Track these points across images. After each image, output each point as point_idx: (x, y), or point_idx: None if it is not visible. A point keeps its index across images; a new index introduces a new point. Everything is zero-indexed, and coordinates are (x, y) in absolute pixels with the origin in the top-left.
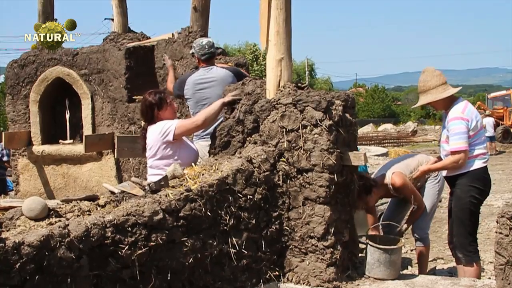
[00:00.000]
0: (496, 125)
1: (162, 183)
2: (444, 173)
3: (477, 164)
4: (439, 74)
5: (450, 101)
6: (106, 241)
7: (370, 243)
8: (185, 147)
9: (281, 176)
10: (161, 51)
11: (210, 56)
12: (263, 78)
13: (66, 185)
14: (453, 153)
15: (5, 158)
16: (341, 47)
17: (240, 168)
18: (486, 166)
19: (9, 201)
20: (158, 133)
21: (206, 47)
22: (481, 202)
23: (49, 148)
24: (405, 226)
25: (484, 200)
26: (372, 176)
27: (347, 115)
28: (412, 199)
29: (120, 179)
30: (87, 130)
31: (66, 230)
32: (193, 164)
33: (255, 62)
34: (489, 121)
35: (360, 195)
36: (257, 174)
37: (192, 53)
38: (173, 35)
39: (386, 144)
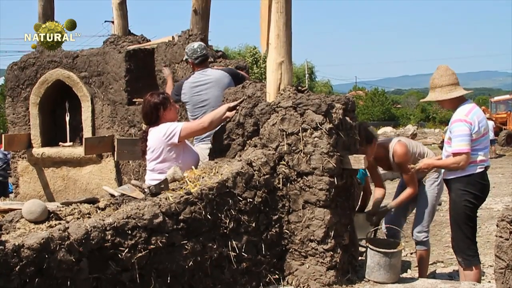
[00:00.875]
0: (499, 130)
1: (162, 186)
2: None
3: (473, 169)
4: (449, 74)
5: (457, 102)
6: (106, 244)
7: (370, 246)
8: (188, 151)
9: (281, 179)
10: (161, 54)
11: (204, 59)
12: (263, 81)
13: (66, 187)
14: (454, 155)
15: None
16: (341, 50)
17: (240, 171)
18: (483, 172)
19: (8, 203)
20: (162, 135)
21: (198, 50)
22: (477, 206)
23: (49, 151)
24: (392, 204)
25: (481, 205)
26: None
27: (347, 118)
28: (406, 176)
29: (120, 182)
30: (87, 132)
31: (66, 233)
32: (193, 167)
33: (255, 65)
34: (489, 124)
35: (361, 143)
36: (257, 177)
37: (186, 59)
38: (173, 38)
39: None
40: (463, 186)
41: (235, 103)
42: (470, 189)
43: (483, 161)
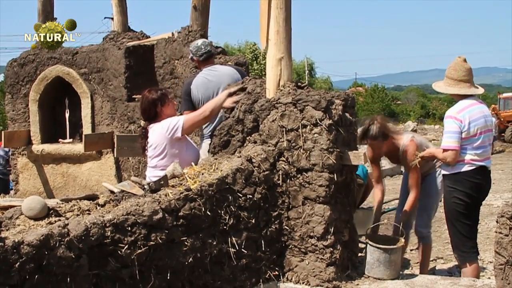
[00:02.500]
0: (505, 128)
1: (162, 182)
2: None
3: (461, 168)
4: (457, 69)
5: (459, 96)
6: (105, 241)
7: (370, 242)
8: (190, 147)
9: (280, 176)
10: (161, 50)
11: (208, 56)
12: (263, 77)
13: (65, 184)
14: (443, 150)
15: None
16: (340, 47)
17: (240, 167)
18: (473, 170)
19: (8, 200)
20: (165, 131)
21: (202, 47)
22: (470, 204)
23: (48, 147)
24: (403, 218)
25: (477, 202)
26: None
27: (347, 114)
28: (411, 180)
29: (119, 178)
30: (86, 129)
31: (66, 230)
32: (192, 163)
33: (255, 61)
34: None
35: (376, 138)
36: (257, 174)
37: (191, 58)
38: (172, 34)
39: None
40: (451, 183)
41: (235, 88)
42: (458, 187)
43: (474, 160)
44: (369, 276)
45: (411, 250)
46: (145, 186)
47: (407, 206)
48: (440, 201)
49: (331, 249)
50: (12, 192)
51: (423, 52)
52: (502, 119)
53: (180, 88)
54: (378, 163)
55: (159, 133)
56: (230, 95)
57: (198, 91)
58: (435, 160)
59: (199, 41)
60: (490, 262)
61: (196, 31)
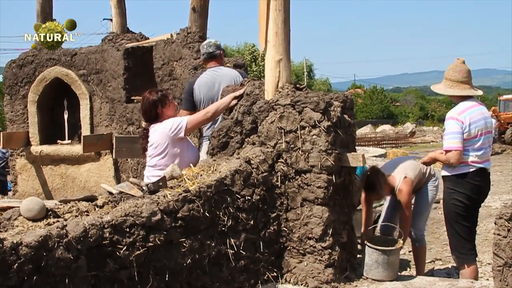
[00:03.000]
0: (505, 129)
1: (160, 183)
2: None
3: (462, 169)
4: (458, 70)
5: (460, 98)
6: (104, 242)
7: (369, 244)
8: (190, 147)
9: (279, 177)
10: (159, 52)
11: (209, 57)
12: (262, 79)
13: (64, 185)
14: (446, 152)
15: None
16: (339, 48)
17: (238, 169)
18: (474, 172)
19: (7, 201)
20: (168, 130)
21: (205, 47)
22: (469, 206)
23: (47, 149)
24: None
25: (476, 205)
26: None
27: (346, 116)
28: (403, 213)
29: (118, 180)
30: (85, 130)
31: (64, 231)
32: (191, 165)
33: (254, 63)
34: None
35: (372, 189)
36: (255, 175)
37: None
38: (171, 35)
39: (385, 145)
40: (452, 185)
41: (241, 91)
42: (459, 189)
43: (475, 162)
44: (367, 278)
45: (409, 251)
46: (144, 188)
47: (404, 229)
48: (438, 203)
49: (330, 250)
50: (10, 193)
51: (422, 53)
52: (502, 121)
53: (179, 89)
54: (371, 205)
55: (161, 132)
56: (236, 98)
57: (200, 92)
58: (428, 171)
59: (205, 41)
60: (489, 264)
61: (195, 32)
